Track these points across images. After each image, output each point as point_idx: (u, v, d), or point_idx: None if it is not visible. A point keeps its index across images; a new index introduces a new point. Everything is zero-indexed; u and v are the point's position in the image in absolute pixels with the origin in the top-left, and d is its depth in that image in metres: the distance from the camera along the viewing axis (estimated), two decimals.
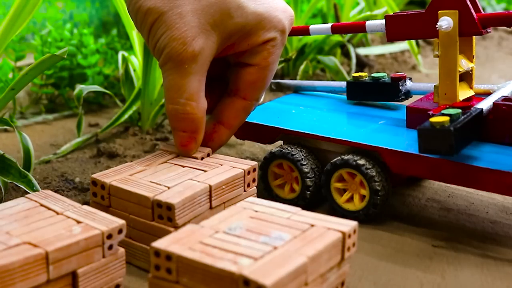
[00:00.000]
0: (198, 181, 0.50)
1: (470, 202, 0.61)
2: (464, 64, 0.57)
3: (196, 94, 0.53)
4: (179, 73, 0.53)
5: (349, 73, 1.06)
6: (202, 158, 0.55)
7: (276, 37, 0.56)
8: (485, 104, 0.54)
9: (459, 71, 0.56)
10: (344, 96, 0.68)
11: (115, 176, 0.51)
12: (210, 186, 0.49)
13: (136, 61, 0.85)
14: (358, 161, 0.55)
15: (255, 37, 0.55)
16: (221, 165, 0.53)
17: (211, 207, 0.50)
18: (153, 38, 0.52)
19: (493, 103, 0.54)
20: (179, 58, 0.52)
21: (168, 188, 0.49)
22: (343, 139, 0.57)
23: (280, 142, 0.64)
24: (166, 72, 0.53)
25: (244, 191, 0.53)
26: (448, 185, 0.64)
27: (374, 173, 0.55)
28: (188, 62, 0.52)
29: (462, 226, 0.56)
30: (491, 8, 1.58)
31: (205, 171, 0.52)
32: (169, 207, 0.46)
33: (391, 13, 0.61)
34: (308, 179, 0.58)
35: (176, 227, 0.47)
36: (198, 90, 0.53)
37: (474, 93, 0.59)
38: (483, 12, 0.55)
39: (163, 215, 0.47)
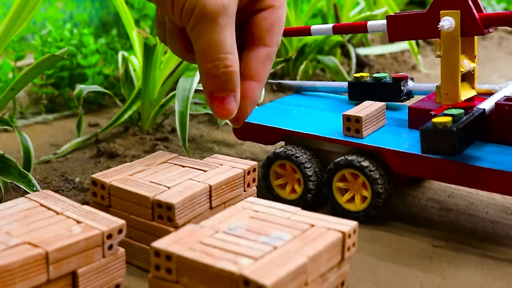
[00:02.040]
0: (198, 181, 0.49)
1: (470, 202, 0.61)
2: (466, 64, 0.57)
3: (232, 47, 0.52)
4: (214, 28, 0.51)
5: (349, 73, 1.06)
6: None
7: None
8: (487, 104, 0.54)
9: (461, 71, 0.56)
10: (346, 97, 0.67)
11: (115, 176, 0.51)
12: (210, 186, 0.49)
13: (136, 61, 0.84)
14: (362, 163, 0.55)
15: None
16: (221, 165, 0.53)
17: (211, 207, 0.50)
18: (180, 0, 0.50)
19: (495, 103, 0.54)
20: (212, 13, 0.51)
21: (168, 188, 0.48)
22: (345, 139, 0.57)
23: (282, 143, 0.64)
24: (200, 31, 0.51)
25: (244, 191, 0.53)
26: (448, 185, 0.64)
27: (377, 176, 0.54)
28: (220, 15, 0.51)
29: (462, 226, 0.56)
30: (491, 8, 1.58)
31: (205, 171, 0.52)
32: (169, 207, 0.46)
33: (392, 13, 0.60)
34: (310, 182, 0.58)
35: (176, 227, 0.46)
36: (233, 43, 0.52)
37: (476, 93, 0.59)
38: (484, 12, 0.55)
39: (163, 215, 0.47)
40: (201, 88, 0.76)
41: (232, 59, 0.52)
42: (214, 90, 0.53)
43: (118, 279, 0.45)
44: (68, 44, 0.90)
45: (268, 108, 0.67)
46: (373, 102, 0.59)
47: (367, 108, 0.58)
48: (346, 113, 0.57)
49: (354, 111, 0.57)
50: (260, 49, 0.55)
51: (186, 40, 0.54)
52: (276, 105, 0.67)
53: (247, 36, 0.56)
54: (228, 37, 0.52)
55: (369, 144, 0.56)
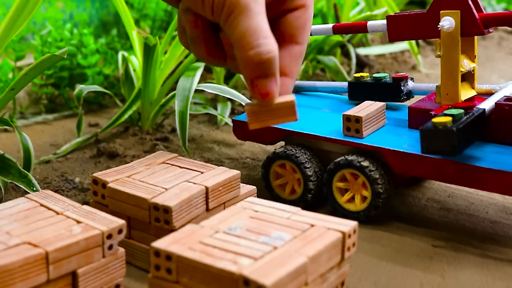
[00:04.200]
0: (195, 183, 0.49)
1: (470, 202, 0.61)
2: (466, 64, 0.57)
3: (269, 31, 0.52)
4: (248, 16, 0.52)
5: (349, 73, 1.06)
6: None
7: None
8: (487, 104, 0.54)
9: (461, 71, 0.56)
10: (346, 97, 0.67)
11: (116, 176, 0.51)
12: (207, 188, 0.49)
13: (136, 61, 0.84)
14: (362, 163, 0.55)
15: None
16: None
17: (207, 209, 0.50)
18: None
19: (495, 103, 0.54)
20: (243, 1, 0.51)
21: (166, 189, 0.48)
22: (345, 139, 0.57)
23: (282, 143, 0.64)
24: (234, 21, 0.52)
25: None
26: (448, 185, 0.64)
27: (377, 176, 0.54)
28: (251, 2, 0.52)
29: (462, 226, 0.56)
30: (491, 8, 1.58)
31: (201, 172, 0.52)
32: (166, 210, 0.46)
33: (392, 13, 0.60)
34: (310, 182, 0.58)
35: (173, 230, 0.46)
36: (268, 28, 0.52)
37: (476, 93, 0.59)
38: (484, 12, 0.55)
39: (160, 217, 0.47)
40: (201, 88, 0.76)
41: (272, 43, 0.52)
42: (256, 76, 0.53)
43: (118, 279, 0.45)
44: (68, 44, 0.90)
45: None
46: (373, 102, 0.59)
47: (367, 108, 0.58)
48: (346, 113, 0.57)
49: (354, 111, 0.57)
50: (293, 47, 0.56)
51: (210, 44, 0.54)
52: None
53: (279, 34, 0.56)
54: (264, 23, 0.52)
55: (369, 144, 0.56)
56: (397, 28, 0.58)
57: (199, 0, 0.52)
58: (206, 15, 0.52)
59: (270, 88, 0.53)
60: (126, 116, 0.79)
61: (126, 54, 0.87)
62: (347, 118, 0.57)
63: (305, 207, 0.53)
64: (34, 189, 0.57)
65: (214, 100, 0.89)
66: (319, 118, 0.62)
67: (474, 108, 0.53)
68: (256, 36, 0.52)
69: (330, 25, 0.64)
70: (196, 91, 0.76)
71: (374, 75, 0.64)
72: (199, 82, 0.78)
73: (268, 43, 0.52)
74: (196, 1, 0.52)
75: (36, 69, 0.57)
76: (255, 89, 0.53)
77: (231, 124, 0.65)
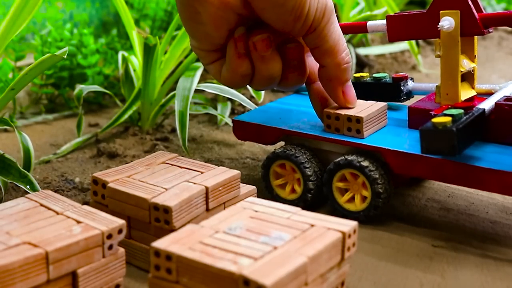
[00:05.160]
0: (195, 183, 0.49)
1: (470, 202, 0.61)
2: (465, 64, 0.57)
3: None
4: (336, 21, 0.54)
5: None
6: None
7: None
8: (487, 104, 0.54)
9: (461, 71, 0.56)
10: None
11: (116, 176, 0.51)
12: (207, 188, 0.49)
13: (136, 61, 0.84)
14: (362, 163, 0.55)
15: None
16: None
17: (207, 209, 0.50)
18: (313, 2, 0.51)
19: (495, 103, 0.54)
20: (334, 8, 0.53)
21: (166, 189, 0.48)
22: (345, 139, 0.57)
23: (281, 143, 0.64)
24: (332, 25, 0.53)
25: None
26: (448, 185, 0.64)
27: (377, 176, 0.54)
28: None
29: (462, 226, 0.56)
30: (491, 8, 1.58)
31: (201, 172, 0.52)
32: (166, 210, 0.46)
33: (392, 13, 0.60)
34: (310, 182, 0.58)
35: (173, 230, 0.46)
36: None
37: (476, 93, 0.59)
38: (484, 12, 0.55)
39: (160, 218, 0.47)
40: (201, 88, 0.76)
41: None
42: (346, 79, 0.56)
43: (118, 279, 0.45)
44: (68, 44, 0.90)
45: (268, 108, 0.67)
46: (375, 102, 0.59)
47: (368, 109, 0.58)
48: (347, 113, 0.57)
49: (355, 111, 0.57)
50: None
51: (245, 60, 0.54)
52: (276, 105, 0.67)
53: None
54: None
55: (369, 144, 0.56)
56: (397, 28, 0.58)
57: (305, 11, 0.51)
58: (304, 26, 0.52)
59: (353, 91, 0.57)
60: (126, 116, 0.79)
61: (126, 54, 0.87)
62: (348, 118, 0.57)
63: (305, 207, 0.53)
64: (34, 189, 0.57)
65: (214, 100, 0.89)
66: (319, 118, 0.62)
67: (474, 108, 0.53)
68: (343, 41, 0.55)
69: None
70: (196, 91, 0.76)
71: (374, 75, 0.64)
72: (199, 82, 0.78)
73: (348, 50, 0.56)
74: (302, 12, 0.51)
75: (36, 69, 0.57)
76: (344, 96, 0.57)
77: (231, 124, 0.65)
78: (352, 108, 0.57)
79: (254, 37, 0.53)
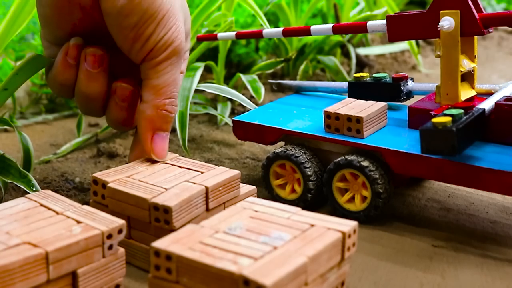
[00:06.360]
0: (195, 183, 0.49)
1: (470, 202, 0.61)
2: (465, 64, 0.57)
3: None
4: (177, 67, 0.52)
5: (349, 73, 1.06)
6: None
7: None
8: (487, 104, 0.54)
9: (461, 71, 0.56)
10: (346, 97, 0.67)
11: (116, 176, 0.51)
12: (207, 188, 0.49)
13: None
14: (362, 163, 0.55)
15: None
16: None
17: (207, 209, 0.50)
18: (162, 30, 0.50)
19: (495, 103, 0.54)
20: (182, 52, 0.51)
21: (166, 189, 0.48)
22: (345, 139, 0.57)
23: (282, 143, 0.64)
24: (169, 67, 0.51)
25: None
26: (448, 185, 0.64)
27: (377, 176, 0.54)
28: (183, 56, 0.52)
29: (462, 226, 0.56)
30: (491, 8, 1.58)
31: (201, 172, 0.52)
32: (166, 210, 0.46)
33: (392, 13, 0.60)
34: (310, 182, 0.58)
35: (173, 230, 0.46)
36: None
37: (476, 93, 0.59)
38: (484, 12, 0.55)
39: (160, 218, 0.47)
40: (201, 88, 0.76)
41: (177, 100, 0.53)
42: (159, 127, 0.52)
43: (118, 279, 0.45)
44: None
45: (268, 108, 0.67)
46: (375, 102, 0.59)
47: (368, 109, 0.58)
48: (347, 113, 0.57)
49: (355, 111, 0.57)
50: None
51: (105, 86, 0.53)
52: (276, 105, 0.67)
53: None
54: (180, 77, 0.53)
55: (369, 144, 0.56)
56: (397, 28, 0.58)
57: (149, 32, 0.50)
58: (141, 52, 0.50)
59: (165, 145, 0.53)
60: None
61: None
62: (348, 118, 0.57)
63: (305, 207, 0.53)
64: (34, 189, 0.57)
65: (214, 100, 0.89)
66: (319, 118, 0.62)
67: (474, 108, 0.53)
68: (175, 87, 0.52)
69: (330, 25, 0.64)
70: (196, 91, 0.76)
71: (374, 75, 0.64)
72: (199, 82, 0.78)
73: (176, 98, 0.52)
74: (127, 27, 0.49)
75: (27, 69, 0.56)
76: (153, 143, 0.52)
77: (231, 124, 0.65)
78: (160, 161, 0.53)
79: (88, 49, 0.52)
